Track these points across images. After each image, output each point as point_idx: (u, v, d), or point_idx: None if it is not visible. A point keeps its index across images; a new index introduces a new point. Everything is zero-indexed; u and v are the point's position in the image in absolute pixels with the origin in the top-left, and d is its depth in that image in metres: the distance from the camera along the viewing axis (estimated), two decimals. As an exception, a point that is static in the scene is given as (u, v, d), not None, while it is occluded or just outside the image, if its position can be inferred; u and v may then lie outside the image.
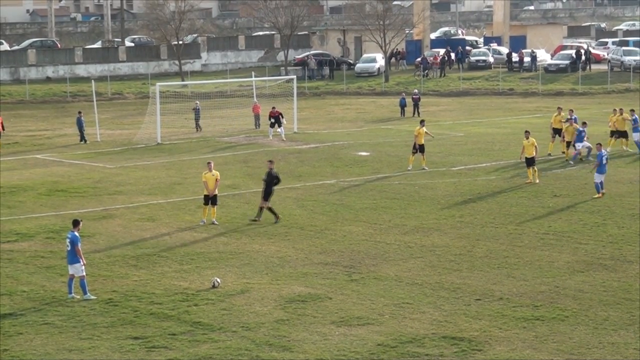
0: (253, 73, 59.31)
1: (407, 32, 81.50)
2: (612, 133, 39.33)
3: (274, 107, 46.13)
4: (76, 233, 20.85)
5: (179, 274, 22.63)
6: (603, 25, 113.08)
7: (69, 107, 62.00)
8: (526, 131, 33.50)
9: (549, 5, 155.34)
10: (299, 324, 18.90)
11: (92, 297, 20.71)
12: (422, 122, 36.80)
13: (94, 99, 50.88)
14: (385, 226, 27.09)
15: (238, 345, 17.76)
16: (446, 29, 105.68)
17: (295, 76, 56.48)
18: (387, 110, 58.20)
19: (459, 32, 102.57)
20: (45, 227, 27.60)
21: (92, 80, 56.07)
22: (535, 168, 32.84)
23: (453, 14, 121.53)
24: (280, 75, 70.00)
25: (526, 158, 32.87)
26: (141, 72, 77.81)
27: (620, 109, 39.96)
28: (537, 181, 32.61)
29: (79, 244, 20.78)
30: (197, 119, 49.39)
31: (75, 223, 21.15)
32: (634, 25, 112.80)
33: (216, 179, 27.76)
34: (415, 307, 19.77)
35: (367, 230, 26.60)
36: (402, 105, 55.53)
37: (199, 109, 49.62)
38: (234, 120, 51.32)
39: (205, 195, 27.87)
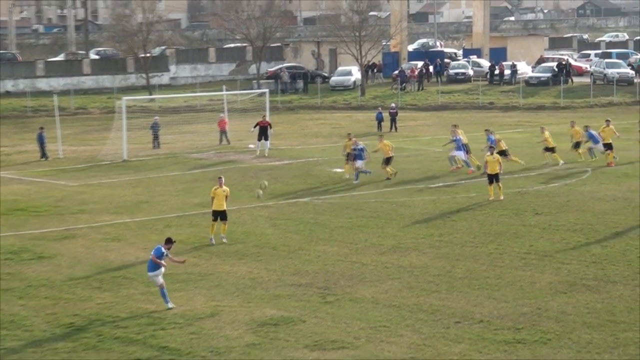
0: (224, 87, 59.22)
1: (384, 43, 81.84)
2: (604, 145, 39.96)
3: (264, 116, 46.48)
4: (163, 250, 21.72)
5: (146, 296, 22.50)
6: (585, 36, 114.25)
7: (29, 122, 61.66)
8: (490, 147, 33.83)
9: (530, 16, 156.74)
10: (271, 349, 18.83)
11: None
12: (381, 136, 39.52)
13: (57, 114, 50.68)
14: (361, 246, 27.10)
15: (207, 372, 17.66)
16: (424, 40, 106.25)
17: (267, 90, 56.58)
18: (363, 125, 58.35)
19: (438, 43, 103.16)
20: (3, 248, 27.35)
21: (55, 95, 55.79)
22: (500, 184, 33.01)
23: (431, 25, 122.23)
24: (252, 89, 70.08)
25: (489, 175, 33.09)
26: (106, 85, 77.57)
27: (607, 120, 40.76)
28: (502, 197, 32.74)
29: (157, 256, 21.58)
30: (155, 135, 49.22)
31: (168, 241, 22.02)
32: (617, 36, 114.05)
33: (226, 195, 27.77)
34: (392, 331, 19.76)
35: (342, 250, 26.59)
36: (379, 120, 55.71)
37: (158, 124, 49.54)
38: (204, 136, 51.27)
39: (214, 211, 27.73)
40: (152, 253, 21.79)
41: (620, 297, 21.78)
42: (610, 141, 39.78)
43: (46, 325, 20.43)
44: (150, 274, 21.78)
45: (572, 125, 41.96)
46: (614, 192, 34.11)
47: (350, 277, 23.81)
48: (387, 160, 38.02)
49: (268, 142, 45.40)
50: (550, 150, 40.34)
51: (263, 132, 45.41)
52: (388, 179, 37.54)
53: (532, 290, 22.37)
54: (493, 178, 32.94)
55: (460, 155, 38.75)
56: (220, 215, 27.74)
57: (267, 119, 46.47)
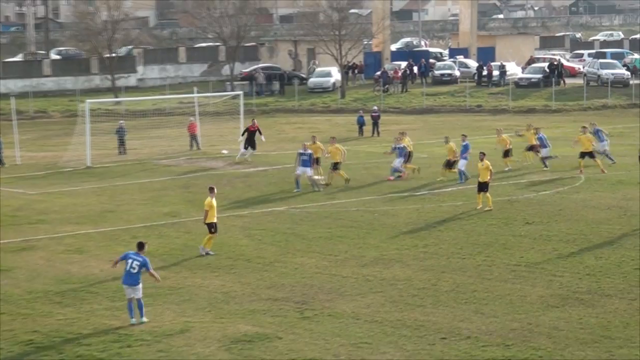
0: (195, 89, 59.19)
1: (365, 43, 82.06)
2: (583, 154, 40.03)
3: (253, 120, 46.50)
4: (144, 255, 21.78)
5: (110, 311, 22.43)
6: (578, 35, 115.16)
7: (-16, 127, 61.42)
8: (481, 152, 33.92)
9: (520, 14, 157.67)
10: (244, 368, 18.82)
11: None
12: (333, 138, 40.07)
13: (14, 118, 50.58)
14: (341, 257, 27.13)
15: (176, 392, 17.64)
16: (408, 39, 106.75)
17: (241, 92, 56.59)
18: (343, 129, 58.49)
19: (422, 43, 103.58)
20: (-42, 261, 27.21)
21: (12, 97, 55.55)
22: (488, 194, 33.13)
23: (415, 23, 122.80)
24: (225, 91, 70.08)
25: (478, 182, 33.24)
26: (68, 87, 77.36)
27: (584, 127, 40.92)
28: (491, 206, 32.81)
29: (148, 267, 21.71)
30: (121, 140, 49.26)
31: (141, 246, 21.89)
32: (611, 35, 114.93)
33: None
34: (374, 348, 19.79)
35: (321, 262, 26.61)
36: (361, 124, 55.87)
37: (124, 129, 49.57)
38: (174, 141, 51.22)
39: (210, 224, 27.64)
40: (138, 264, 21.54)
41: (615, 311, 21.90)
42: (591, 150, 39.87)
43: (3, 342, 20.32)
44: (127, 286, 21.61)
45: (529, 128, 42.84)
46: (609, 200, 34.31)
47: (330, 291, 23.83)
48: (335, 166, 38.23)
49: (255, 149, 45.62)
50: (506, 153, 41.04)
51: (251, 138, 45.40)
52: (333, 182, 37.96)
53: (523, 305, 22.46)
54: (482, 186, 33.04)
55: (397, 162, 39.48)
56: (214, 227, 27.75)
57: (256, 123, 46.42)
